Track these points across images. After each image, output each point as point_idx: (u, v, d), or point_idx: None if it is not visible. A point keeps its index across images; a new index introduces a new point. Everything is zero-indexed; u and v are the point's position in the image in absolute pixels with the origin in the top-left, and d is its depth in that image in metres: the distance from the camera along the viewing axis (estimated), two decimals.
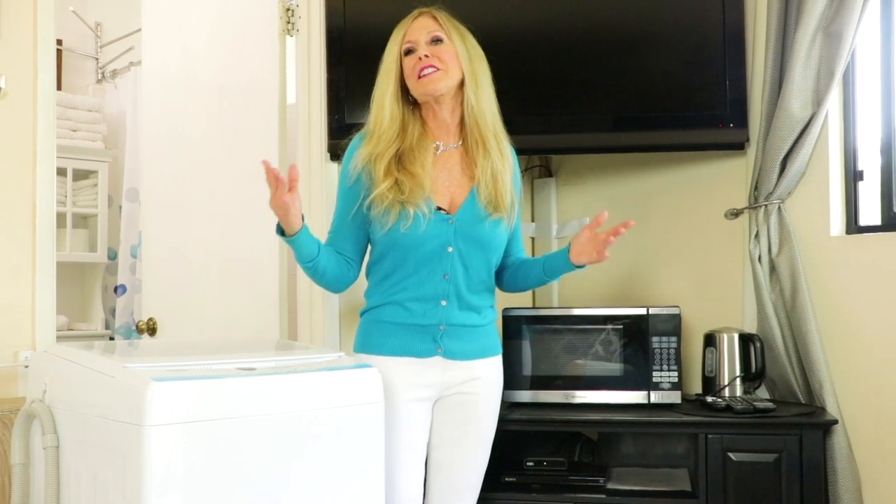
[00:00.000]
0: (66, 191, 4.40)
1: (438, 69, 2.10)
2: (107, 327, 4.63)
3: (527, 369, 2.68)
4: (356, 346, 2.20)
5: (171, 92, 3.25)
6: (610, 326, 2.66)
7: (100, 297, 4.65)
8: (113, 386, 1.69)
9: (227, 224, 3.07)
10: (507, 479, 2.60)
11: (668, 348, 2.61)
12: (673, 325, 2.63)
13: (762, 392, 2.81)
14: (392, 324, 2.13)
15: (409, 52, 2.14)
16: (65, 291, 4.10)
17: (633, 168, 3.11)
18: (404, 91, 2.16)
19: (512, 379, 2.57)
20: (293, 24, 2.94)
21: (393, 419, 2.05)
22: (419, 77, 2.10)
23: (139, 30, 3.52)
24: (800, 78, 2.61)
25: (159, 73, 3.31)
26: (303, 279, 2.92)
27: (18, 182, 2.42)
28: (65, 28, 4.46)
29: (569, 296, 3.20)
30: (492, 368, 2.22)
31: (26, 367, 2.26)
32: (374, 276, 2.20)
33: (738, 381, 2.73)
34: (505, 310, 2.69)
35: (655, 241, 3.07)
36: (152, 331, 3.24)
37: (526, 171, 3.28)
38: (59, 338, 2.61)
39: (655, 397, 2.61)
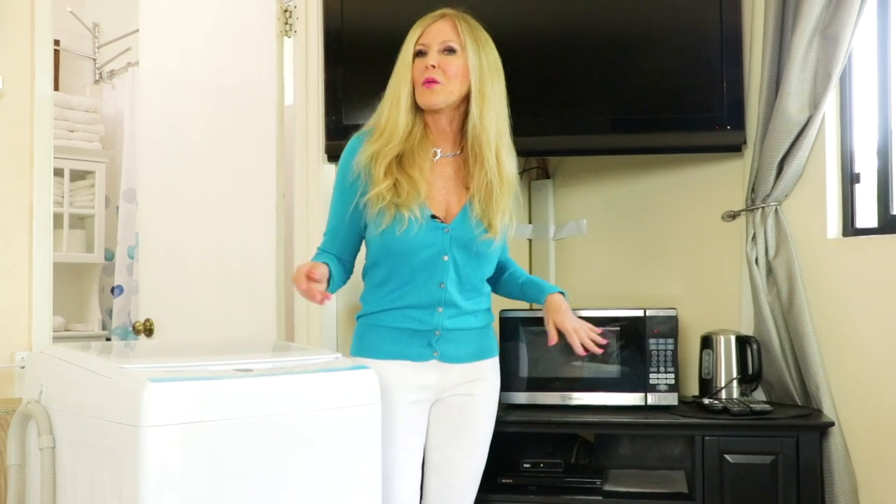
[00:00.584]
0: (63, 191, 4.39)
1: (438, 83, 2.07)
2: (103, 328, 4.62)
3: (523, 371, 2.68)
4: (353, 349, 2.19)
5: (169, 93, 3.25)
6: (607, 328, 2.66)
7: (96, 297, 4.64)
8: (109, 387, 1.69)
9: (224, 225, 3.07)
10: (503, 480, 2.60)
11: (665, 350, 2.62)
12: (670, 326, 2.63)
13: (759, 394, 2.81)
14: (388, 328, 2.13)
15: (420, 53, 2.11)
16: (61, 292, 4.10)
17: (630, 170, 3.11)
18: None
19: (508, 381, 2.57)
20: (291, 25, 2.94)
21: (389, 421, 2.05)
22: (422, 85, 2.09)
23: (137, 30, 3.52)
24: (797, 80, 2.62)
25: (157, 73, 3.31)
26: None
27: (15, 182, 2.42)
28: (62, 28, 4.46)
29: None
30: (489, 370, 2.22)
31: (23, 367, 2.25)
32: (369, 280, 2.19)
33: (734, 383, 2.73)
34: (502, 311, 2.69)
35: (652, 243, 3.07)
36: (149, 332, 3.24)
37: (523, 172, 3.27)
38: (55, 338, 2.60)
39: (652, 399, 2.61)
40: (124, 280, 4.44)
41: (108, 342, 4.34)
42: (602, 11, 2.78)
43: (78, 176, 4.54)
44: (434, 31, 2.11)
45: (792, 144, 2.66)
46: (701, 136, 2.75)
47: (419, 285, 2.10)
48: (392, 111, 2.11)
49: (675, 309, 2.66)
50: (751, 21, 2.81)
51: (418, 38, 2.12)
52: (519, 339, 2.69)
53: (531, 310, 2.84)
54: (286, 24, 2.95)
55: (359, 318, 2.21)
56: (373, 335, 2.14)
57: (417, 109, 2.14)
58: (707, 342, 2.78)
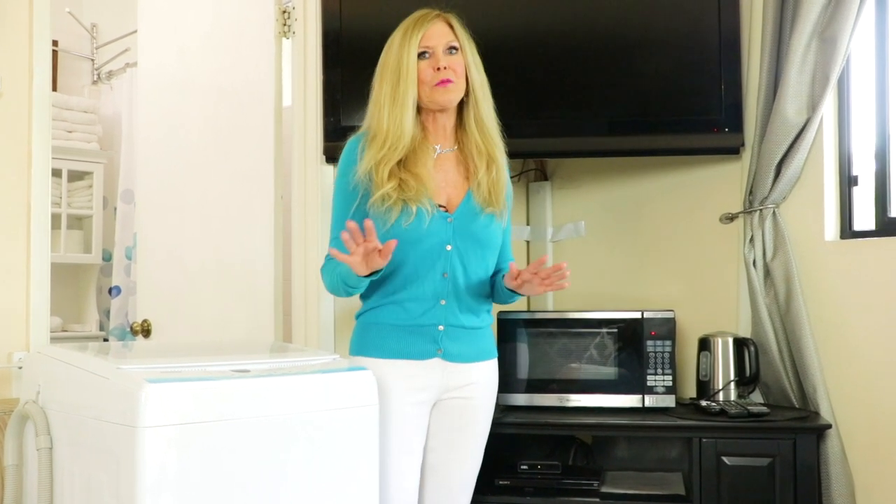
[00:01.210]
0: (61, 192, 4.39)
1: (453, 82, 2.10)
2: (101, 329, 4.61)
3: (521, 372, 2.68)
4: (352, 349, 2.18)
5: (167, 94, 3.25)
6: (605, 330, 2.66)
7: (94, 298, 4.63)
8: (107, 387, 1.69)
9: (223, 226, 3.07)
10: (501, 482, 2.60)
11: (663, 352, 2.62)
12: (667, 328, 2.63)
13: (756, 396, 2.81)
14: (390, 325, 2.11)
15: (423, 55, 2.11)
16: (59, 293, 4.10)
17: (628, 172, 3.12)
18: None
19: (506, 382, 2.57)
20: (289, 26, 2.94)
21: (391, 423, 2.04)
22: (436, 85, 2.09)
23: (135, 31, 3.51)
24: (795, 83, 2.62)
25: (155, 74, 3.31)
26: (298, 281, 2.92)
27: (13, 183, 2.41)
28: (60, 29, 4.46)
29: (564, 299, 3.21)
30: (489, 372, 2.22)
31: (20, 368, 2.25)
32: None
33: (732, 385, 2.73)
34: (500, 313, 2.69)
35: (650, 245, 3.07)
36: (147, 332, 3.24)
37: (521, 174, 3.28)
38: (53, 339, 2.60)
39: (650, 401, 2.62)
40: (122, 281, 4.44)
41: (106, 343, 4.33)
42: (601, 14, 2.78)
43: (76, 176, 4.53)
44: (435, 32, 2.13)
45: (790, 147, 2.66)
46: (699, 138, 2.75)
47: (422, 276, 2.09)
48: (397, 115, 2.09)
49: (672, 311, 2.66)
50: (749, 23, 2.81)
51: (420, 41, 2.12)
52: (517, 340, 2.69)
53: (529, 311, 2.85)
54: (285, 25, 2.95)
55: (358, 316, 2.20)
56: (373, 333, 2.13)
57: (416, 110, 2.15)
58: (704, 344, 2.78)
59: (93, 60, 4.80)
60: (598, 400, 2.65)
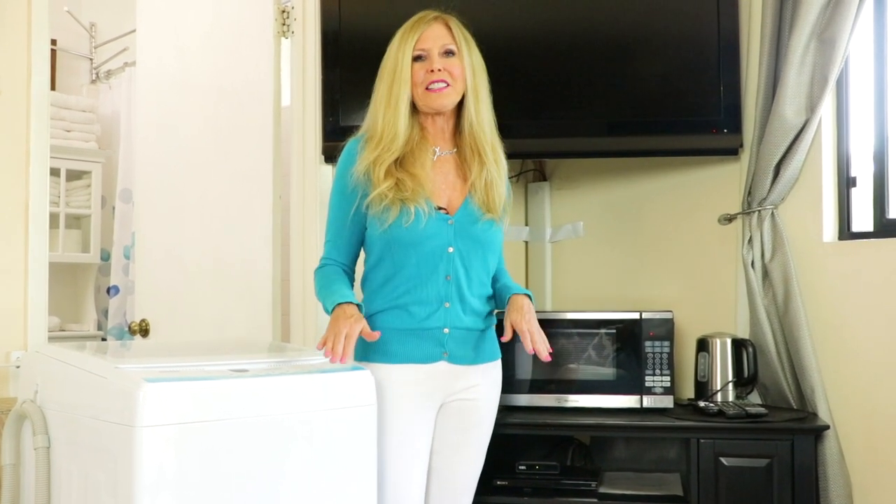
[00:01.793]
0: (59, 191, 4.39)
1: (448, 84, 2.09)
2: (99, 328, 4.61)
3: (519, 373, 2.68)
4: (356, 354, 2.11)
5: (166, 93, 3.25)
6: (603, 330, 2.66)
7: (92, 297, 4.63)
8: (105, 387, 1.68)
9: (221, 225, 3.06)
10: (499, 482, 2.61)
11: (661, 353, 2.62)
12: (666, 329, 2.63)
13: (754, 397, 2.82)
14: (395, 330, 2.09)
15: (418, 58, 2.11)
16: (57, 292, 4.10)
17: (627, 172, 3.12)
18: None
19: (505, 382, 2.56)
20: (288, 26, 2.94)
21: (400, 429, 2.04)
22: (427, 89, 2.09)
23: (134, 30, 3.51)
24: (794, 84, 2.62)
25: (154, 73, 3.31)
26: (296, 281, 2.92)
27: (11, 182, 2.41)
28: (59, 28, 4.46)
29: (562, 299, 3.21)
30: (493, 373, 2.22)
31: (18, 367, 2.25)
32: (371, 282, 2.15)
33: (730, 386, 2.73)
34: (499, 313, 2.69)
35: (649, 246, 3.08)
36: (145, 332, 3.23)
37: (520, 174, 3.28)
38: (51, 338, 2.60)
39: (648, 402, 2.62)
40: (120, 280, 4.43)
41: (104, 342, 4.33)
42: (600, 15, 2.78)
43: (74, 176, 4.53)
44: (431, 34, 2.12)
45: (788, 148, 2.66)
46: (698, 139, 2.76)
47: (425, 279, 2.08)
48: (390, 116, 2.09)
49: (671, 311, 2.66)
50: (748, 25, 2.82)
51: (415, 43, 2.12)
52: (515, 340, 2.68)
53: None
54: (284, 24, 2.95)
55: None
56: (379, 339, 2.07)
57: (414, 111, 2.14)
58: (703, 345, 2.78)
59: (91, 60, 4.80)
60: (596, 400, 2.65)
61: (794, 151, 2.66)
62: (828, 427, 2.53)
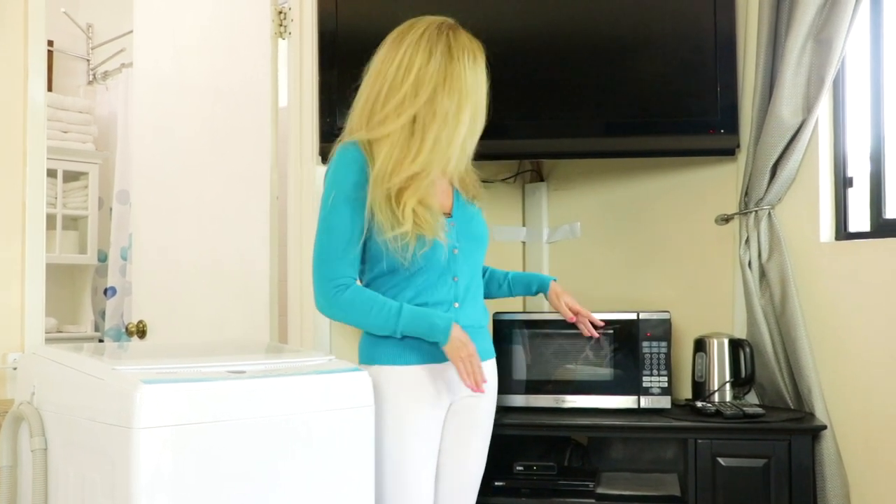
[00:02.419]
0: (56, 192, 4.39)
1: None
2: (96, 329, 4.61)
3: (517, 373, 2.68)
4: (364, 358, 2.11)
5: (163, 94, 3.25)
6: (600, 331, 2.66)
7: (89, 299, 4.63)
8: (102, 388, 1.68)
9: (218, 226, 3.06)
10: (496, 483, 2.60)
11: (659, 353, 2.62)
12: (663, 329, 2.63)
13: (751, 397, 2.82)
14: None
15: None
16: (54, 293, 4.08)
17: (624, 173, 3.12)
18: None
19: (502, 383, 2.56)
20: (285, 26, 2.94)
21: (412, 431, 2.03)
22: None
23: (131, 31, 3.51)
24: (790, 84, 2.63)
25: (151, 75, 3.31)
26: (294, 282, 2.92)
27: (8, 183, 2.41)
28: (56, 29, 4.45)
29: None
30: (492, 370, 2.23)
31: (15, 369, 2.25)
32: (379, 287, 2.09)
33: (727, 386, 2.73)
34: (496, 314, 2.69)
35: (646, 246, 3.08)
36: (142, 333, 3.23)
37: (517, 175, 3.28)
38: (48, 340, 2.60)
39: (645, 402, 2.62)
40: (117, 281, 4.43)
41: (101, 344, 4.32)
42: (596, 15, 2.78)
43: (71, 177, 4.53)
44: None
45: (785, 148, 2.67)
46: (695, 139, 2.76)
47: (435, 281, 2.07)
48: (455, 152, 2.04)
49: (668, 312, 2.67)
50: (745, 25, 2.82)
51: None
52: (512, 341, 2.69)
53: (525, 312, 2.85)
54: (281, 25, 2.94)
55: None
56: (390, 341, 2.06)
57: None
58: (700, 345, 2.78)
59: (88, 61, 4.80)
60: (593, 401, 2.65)
61: (791, 152, 2.66)
62: (825, 427, 2.53)
